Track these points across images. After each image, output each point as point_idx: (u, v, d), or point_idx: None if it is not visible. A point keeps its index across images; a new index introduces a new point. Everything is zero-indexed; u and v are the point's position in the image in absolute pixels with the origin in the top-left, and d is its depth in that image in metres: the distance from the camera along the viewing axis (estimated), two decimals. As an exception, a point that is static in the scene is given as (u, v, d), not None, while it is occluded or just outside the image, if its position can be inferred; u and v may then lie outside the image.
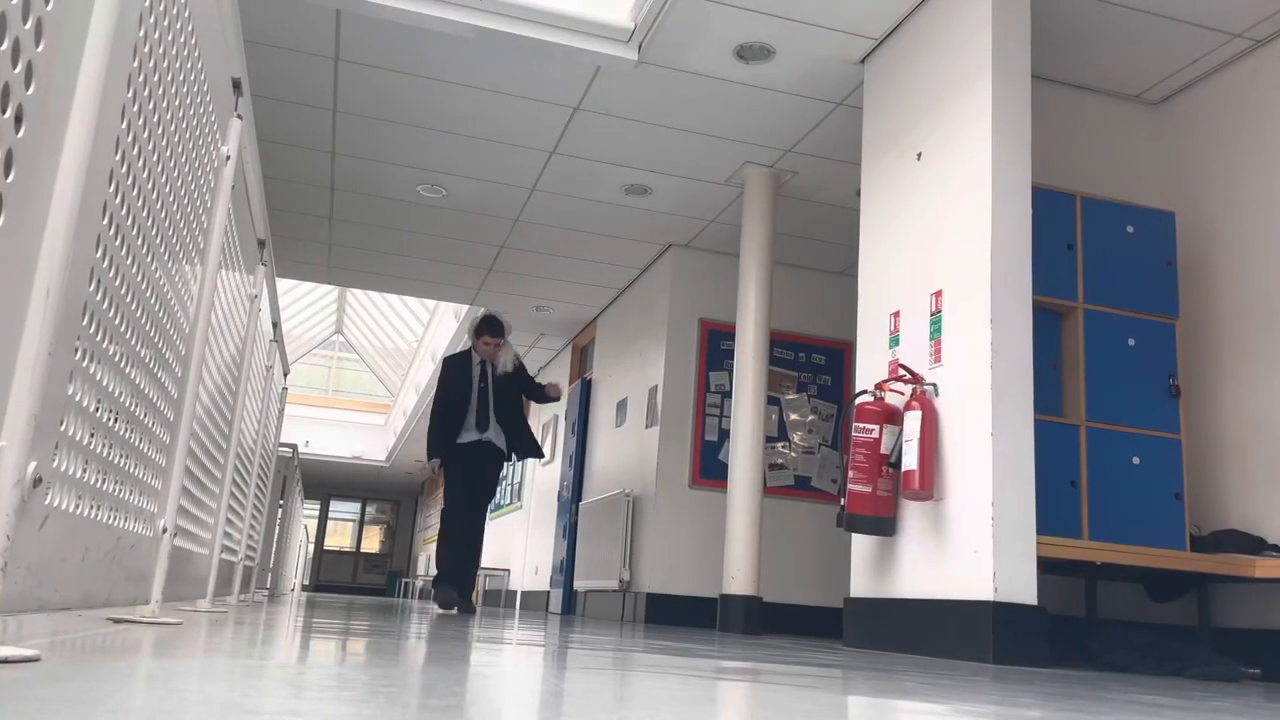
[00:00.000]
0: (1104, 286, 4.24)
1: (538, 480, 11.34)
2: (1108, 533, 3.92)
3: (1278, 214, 4.28)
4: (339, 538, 26.83)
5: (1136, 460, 4.07)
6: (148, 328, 1.81)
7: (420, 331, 15.09)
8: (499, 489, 13.22)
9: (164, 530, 2.18)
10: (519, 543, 11.95)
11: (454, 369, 6.42)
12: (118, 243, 1.49)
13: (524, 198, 6.95)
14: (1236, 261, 4.47)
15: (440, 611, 5.71)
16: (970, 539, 3.57)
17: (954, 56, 4.10)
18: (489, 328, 6.36)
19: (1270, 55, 4.45)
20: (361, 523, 26.98)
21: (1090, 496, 3.99)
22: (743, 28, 4.69)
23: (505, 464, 6.57)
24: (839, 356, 7.53)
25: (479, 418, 6.29)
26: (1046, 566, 3.66)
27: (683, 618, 6.94)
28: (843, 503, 4.06)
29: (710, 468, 7.22)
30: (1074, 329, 4.21)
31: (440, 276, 8.89)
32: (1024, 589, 3.45)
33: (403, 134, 6.14)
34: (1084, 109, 4.96)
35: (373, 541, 27.00)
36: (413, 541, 25.85)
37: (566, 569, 9.08)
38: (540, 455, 6.70)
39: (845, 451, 4.16)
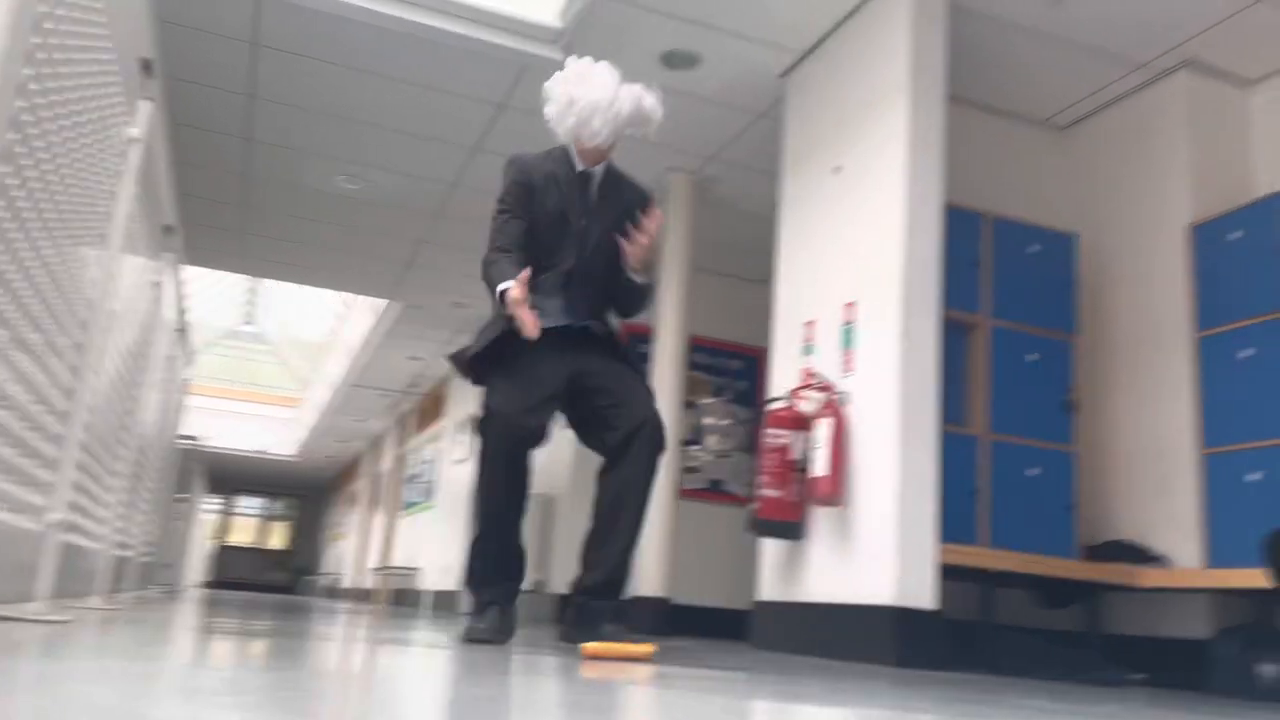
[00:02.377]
0: (1009, 303, 4.39)
1: (450, 479, 11.22)
2: (1005, 541, 4.05)
3: (1172, 239, 4.48)
4: (243, 533, 26.10)
5: (1034, 472, 4.22)
6: (40, 312, 1.74)
7: (334, 324, 14.79)
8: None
9: (53, 523, 2.10)
10: (431, 542, 11.80)
11: (537, 181, 3.04)
12: (11, 223, 1.43)
13: (445, 193, 6.87)
14: (1133, 282, 4.67)
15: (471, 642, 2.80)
16: (875, 545, 3.65)
17: (873, 74, 4.20)
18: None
19: (1170, 86, 4.66)
20: (267, 519, 26.28)
21: (989, 505, 4.12)
22: (669, 35, 4.72)
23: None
24: (755, 363, 7.63)
25: (577, 277, 3.01)
26: (947, 573, 3.76)
27: (593, 619, 6.94)
28: (753, 507, 4.12)
29: (625, 470, 7.22)
30: (979, 343, 4.35)
31: (357, 269, 8.73)
32: (925, 594, 3.55)
33: (321, 123, 6.01)
34: (996, 131, 5.12)
35: (277, 538, 26.33)
36: (319, 539, 25.30)
37: (477, 569, 8.98)
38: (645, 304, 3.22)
39: (758, 456, 4.21)
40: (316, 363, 17.17)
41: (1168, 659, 4.09)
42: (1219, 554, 3.98)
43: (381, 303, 10.15)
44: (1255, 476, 3.90)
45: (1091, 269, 4.76)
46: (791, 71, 4.89)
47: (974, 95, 4.96)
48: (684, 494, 7.13)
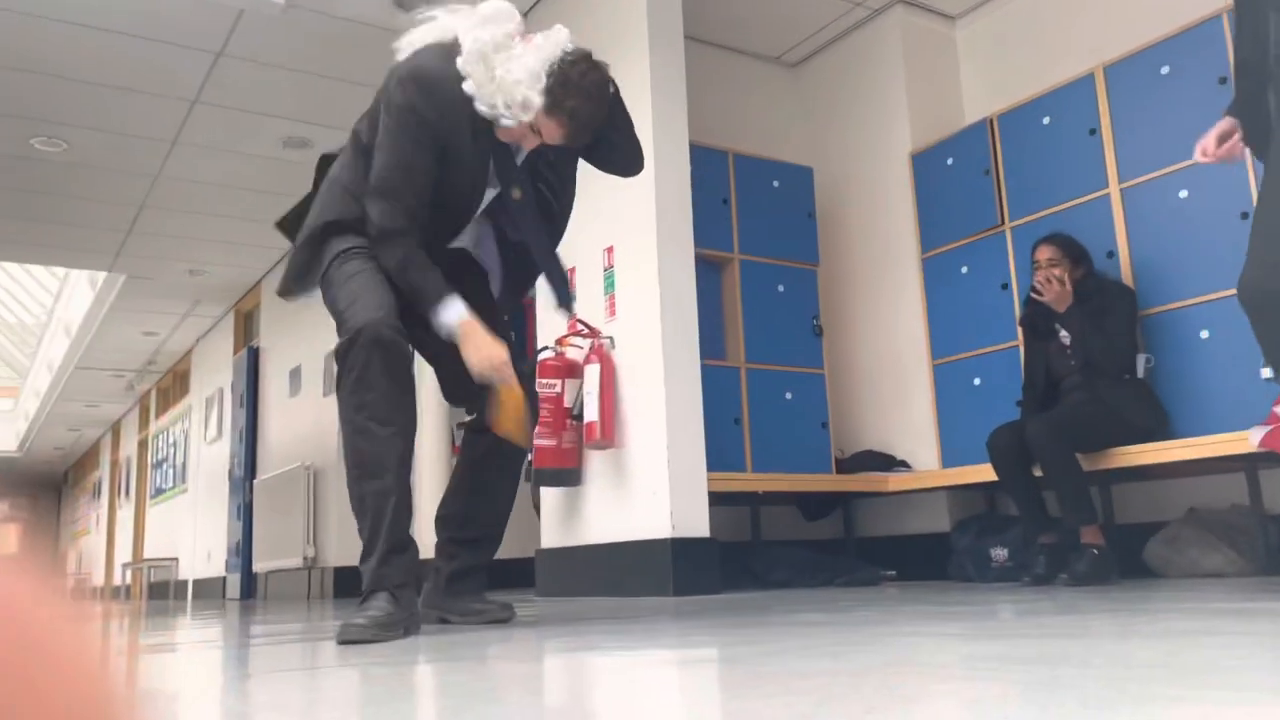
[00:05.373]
0: (755, 238, 4.57)
1: (203, 459, 10.48)
2: (767, 463, 4.28)
3: (897, 168, 4.82)
4: (-36, 543, 23.33)
5: (789, 395, 4.46)
6: None
7: (50, 303, 13.30)
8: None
9: None
10: (187, 528, 11.02)
11: None
12: None
13: (165, 151, 6.27)
14: (865, 210, 4.99)
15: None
16: (649, 482, 3.75)
17: (610, 16, 4.18)
18: None
19: (886, 22, 4.96)
20: (-8, 523, 23.60)
21: (751, 432, 4.33)
22: None
23: None
24: (523, 313, 7.55)
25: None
26: (717, 499, 3.93)
27: (374, 587, 6.75)
28: (530, 458, 4.11)
29: (394, 431, 7.01)
30: (731, 278, 4.51)
31: (68, 241, 7.84)
32: (698, 523, 3.69)
33: (9, 79, 5.29)
34: (733, 69, 5.27)
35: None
36: (58, 538, 23.06)
37: (243, 551, 8.50)
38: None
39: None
40: (33, 346, 15.43)
41: (914, 554, 4.50)
42: (951, 454, 4.39)
43: (100, 275, 9.20)
44: (977, 382, 4.32)
45: (827, 200, 5.04)
46: (529, 15, 4.79)
47: (711, 34, 5.07)
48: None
